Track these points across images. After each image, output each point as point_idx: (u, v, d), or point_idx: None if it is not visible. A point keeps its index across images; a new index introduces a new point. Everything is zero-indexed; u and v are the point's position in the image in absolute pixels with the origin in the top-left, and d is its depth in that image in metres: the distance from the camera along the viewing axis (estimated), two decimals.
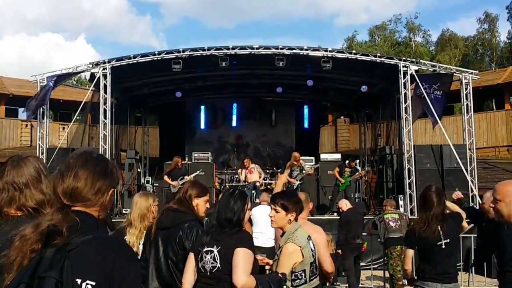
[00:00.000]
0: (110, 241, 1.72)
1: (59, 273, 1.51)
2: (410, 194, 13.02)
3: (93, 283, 1.55)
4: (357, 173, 13.91)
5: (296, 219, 3.55)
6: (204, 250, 3.22)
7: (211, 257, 3.18)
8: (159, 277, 3.60)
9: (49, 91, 13.11)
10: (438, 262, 4.28)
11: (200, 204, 3.78)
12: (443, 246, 4.25)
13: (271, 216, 3.57)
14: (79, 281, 1.54)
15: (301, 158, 13.53)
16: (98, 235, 1.67)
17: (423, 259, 4.40)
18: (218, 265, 3.15)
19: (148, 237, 3.77)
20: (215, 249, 3.18)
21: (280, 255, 3.43)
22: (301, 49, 13.50)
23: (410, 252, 4.48)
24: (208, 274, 3.18)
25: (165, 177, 13.21)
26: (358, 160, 16.01)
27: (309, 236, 3.54)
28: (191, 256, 3.32)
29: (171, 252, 3.58)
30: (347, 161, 14.14)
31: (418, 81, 13.23)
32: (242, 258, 3.09)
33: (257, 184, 13.66)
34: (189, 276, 3.28)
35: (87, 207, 1.71)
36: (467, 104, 13.80)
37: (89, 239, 1.61)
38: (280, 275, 3.26)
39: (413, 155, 13.28)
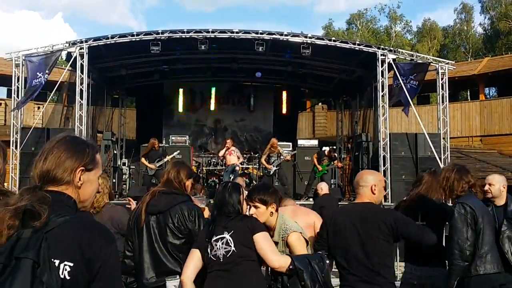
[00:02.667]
0: (88, 223, 1.70)
1: (36, 254, 1.50)
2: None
3: (71, 264, 1.55)
4: (335, 162, 14.05)
5: (277, 210, 3.54)
6: (214, 239, 3.17)
7: (223, 243, 3.14)
8: (156, 267, 3.42)
9: (40, 86, 12.90)
10: None
11: (189, 186, 3.70)
12: None
13: (251, 214, 3.46)
14: (56, 262, 1.54)
15: (278, 144, 13.60)
16: (76, 217, 1.66)
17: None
18: (233, 248, 3.12)
19: (135, 224, 3.55)
20: (226, 235, 3.15)
21: (291, 248, 3.45)
22: (281, 34, 13.48)
23: None
24: (222, 260, 3.13)
25: (142, 159, 13.13)
26: (335, 148, 16.16)
27: (295, 222, 3.65)
28: (195, 252, 3.24)
29: (172, 236, 3.43)
30: (326, 150, 14.25)
31: (396, 70, 13.35)
32: (265, 241, 3.14)
33: (237, 168, 13.66)
34: (190, 272, 3.20)
35: (65, 187, 1.71)
36: (442, 94, 14.01)
37: (67, 221, 1.60)
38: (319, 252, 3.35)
39: (388, 143, 13.45)
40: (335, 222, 3.61)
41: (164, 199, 3.50)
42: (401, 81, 13.19)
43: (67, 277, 1.54)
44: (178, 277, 3.32)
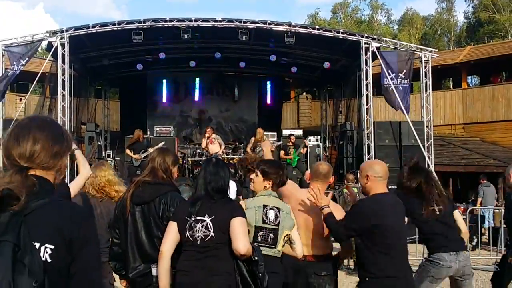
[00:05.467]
0: (67, 206, 1.69)
1: (15, 237, 1.47)
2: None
3: (52, 247, 1.53)
4: (302, 145, 14.10)
5: (272, 188, 3.69)
6: (194, 219, 3.16)
7: (202, 226, 3.13)
8: (142, 256, 3.40)
9: (12, 76, 12.72)
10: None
11: (175, 173, 3.66)
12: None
13: (251, 178, 3.79)
14: (37, 244, 1.51)
15: (264, 133, 13.62)
16: (55, 199, 1.64)
17: None
18: (212, 234, 3.12)
19: (121, 214, 3.51)
20: (207, 218, 3.14)
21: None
22: (265, 23, 13.44)
23: None
24: (199, 243, 3.13)
25: (127, 151, 13.06)
26: (312, 136, 16.21)
27: (267, 206, 3.61)
28: (173, 225, 3.22)
29: (156, 228, 3.38)
30: (288, 140, 14.37)
31: (382, 63, 13.37)
32: (240, 226, 3.12)
33: (219, 157, 13.63)
34: (169, 245, 3.20)
35: (45, 171, 1.67)
36: (426, 82, 14.12)
37: (46, 203, 1.58)
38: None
39: (372, 131, 13.55)
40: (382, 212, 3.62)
41: (148, 189, 3.45)
42: (391, 83, 13.20)
43: (48, 260, 1.52)
44: None
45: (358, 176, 4.17)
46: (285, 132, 16.09)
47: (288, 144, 14.14)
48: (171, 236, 3.21)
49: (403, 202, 3.78)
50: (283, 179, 3.80)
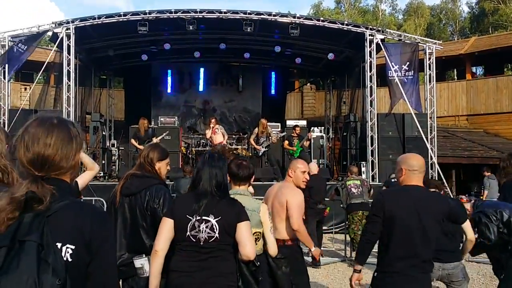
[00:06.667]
0: (87, 207, 1.75)
1: (39, 237, 1.54)
2: (372, 161, 13.39)
3: (73, 247, 1.59)
4: (306, 138, 14.13)
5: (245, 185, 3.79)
6: (197, 218, 3.06)
7: (207, 227, 3.05)
8: (128, 246, 3.54)
9: (22, 54, 12.84)
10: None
11: (162, 168, 3.76)
12: None
13: None
14: (59, 245, 1.57)
15: (268, 124, 13.69)
16: (74, 201, 1.70)
17: None
18: (217, 235, 3.04)
19: (112, 204, 3.68)
20: (212, 219, 3.06)
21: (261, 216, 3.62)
22: (270, 14, 13.45)
23: None
24: (202, 243, 3.04)
25: (132, 141, 13.13)
26: (316, 127, 16.22)
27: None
28: (169, 222, 3.13)
29: (141, 218, 3.52)
30: (293, 130, 14.35)
31: (385, 53, 13.39)
32: (248, 231, 3.10)
33: (221, 151, 13.73)
34: (163, 244, 3.11)
35: (60, 174, 1.72)
36: (430, 74, 14.13)
37: (66, 205, 1.64)
38: None
39: (376, 123, 13.60)
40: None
41: (136, 181, 3.62)
42: (395, 76, 13.20)
43: (69, 259, 1.59)
44: (144, 256, 3.44)
45: (394, 169, 4.15)
46: (289, 122, 16.14)
47: (292, 135, 14.18)
48: (166, 234, 3.12)
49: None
50: (245, 174, 3.76)
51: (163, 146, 4.13)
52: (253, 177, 3.89)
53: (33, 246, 1.53)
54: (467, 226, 3.93)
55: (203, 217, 3.06)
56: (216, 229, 3.05)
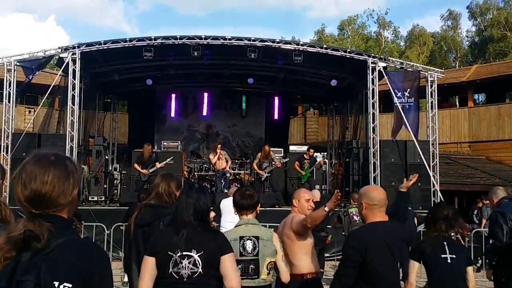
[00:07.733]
0: (85, 245, 1.75)
1: (36, 276, 1.54)
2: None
3: (70, 285, 1.58)
4: (316, 163, 14.13)
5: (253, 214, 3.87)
6: (179, 254, 2.99)
7: (189, 263, 2.97)
8: None
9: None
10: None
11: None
12: (449, 261, 4.03)
13: None
14: (56, 283, 1.57)
15: (271, 150, 13.73)
16: (72, 238, 1.71)
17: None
18: (200, 270, 2.97)
19: (126, 235, 3.81)
20: (195, 254, 2.98)
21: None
22: (273, 41, 13.60)
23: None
24: (185, 280, 2.96)
25: (135, 165, 13.17)
26: (319, 153, 16.25)
27: (244, 237, 3.73)
28: (150, 261, 3.04)
29: None
30: (306, 152, 14.35)
31: (388, 81, 13.51)
32: (232, 264, 3.04)
33: (227, 174, 13.82)
34: (147, 283, 3.02)
35: (58, 211, 1.72)
36: (431, 102, 14.20)
37: (64, 242, 1.64)
38: None
39: (378, 149, 13.62)
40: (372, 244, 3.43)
41: (150, 212, 3.68)
42: (398, 103, 13.32)
43: None
44: None
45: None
46: (292, 148, 16.18)
47: (305, 157, 14.15)
48: (149, 273, 3.03)
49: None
50: (250, 203, 3.84)
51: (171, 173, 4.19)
52: (259, 205, 3.91)
53: (30, 286, 1.55)
54: (471, 275, 3.97)
55: (185, 253, 2.99)
56: (199, 263, 2.98)
